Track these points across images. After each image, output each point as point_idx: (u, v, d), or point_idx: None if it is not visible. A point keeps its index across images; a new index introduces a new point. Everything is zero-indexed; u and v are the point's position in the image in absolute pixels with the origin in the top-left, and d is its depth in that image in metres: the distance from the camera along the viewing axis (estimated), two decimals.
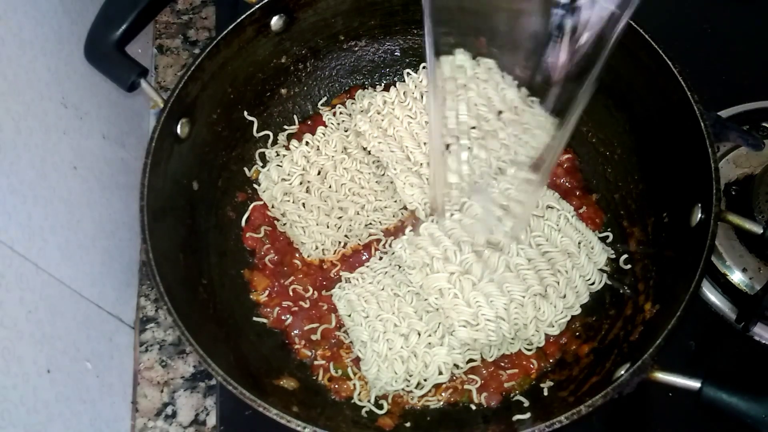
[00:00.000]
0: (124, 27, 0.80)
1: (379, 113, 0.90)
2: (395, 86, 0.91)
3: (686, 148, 0.76)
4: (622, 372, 0.66)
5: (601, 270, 0.81)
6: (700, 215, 0.73)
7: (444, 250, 0.79)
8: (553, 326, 0.77)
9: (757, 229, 0.73)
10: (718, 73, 0.99)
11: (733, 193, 0.90)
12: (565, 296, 0.78)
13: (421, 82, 0.91)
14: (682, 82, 0.75)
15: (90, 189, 0.87)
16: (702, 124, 0.73)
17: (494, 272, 0.78)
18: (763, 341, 0.84)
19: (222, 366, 0.67)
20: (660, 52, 0.77)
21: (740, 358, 0.85)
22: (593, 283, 0.80)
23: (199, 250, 0.83)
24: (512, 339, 0.78)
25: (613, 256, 0.82)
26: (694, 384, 0.64)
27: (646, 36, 0.78)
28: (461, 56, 0.88)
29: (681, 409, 0.81)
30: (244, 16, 0.83)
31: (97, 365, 0.81)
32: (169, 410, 0.87)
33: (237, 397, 0.65)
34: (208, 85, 0.83)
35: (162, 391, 0.88)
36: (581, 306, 0.80)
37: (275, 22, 0.87)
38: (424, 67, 0.92)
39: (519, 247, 0.79)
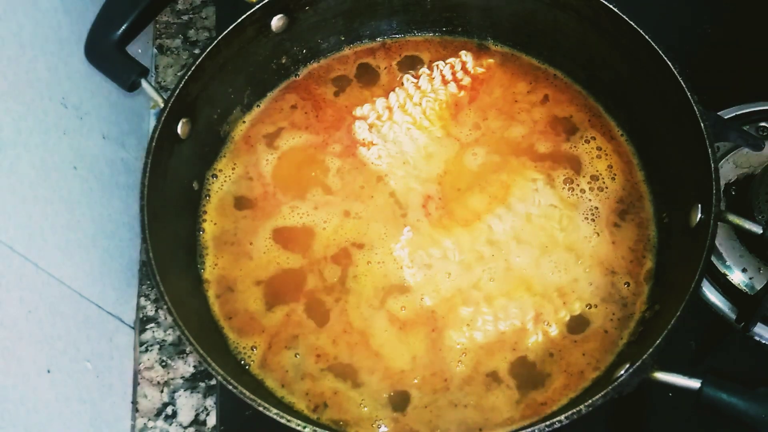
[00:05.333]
0: (124, 27, 0.80)
1: (379, 119, 0.90)
2: (395, 91, 0.91)
3: (686, 148, 0.76)
4: (622, 372, 0.66)
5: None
6: (700, 215, 0.72)
7: (444, 250, 0.80)
8: (551, 326, 0.77)
9: (757, 230, 0.73)
10: (718, 73, 0.99)
11: (733, 193, 0.90)
12: (566, 297, 0.78)
13: (420, 86, 0.91)
14: (682, 83, 0.75)
15: (90, 189, 0.87)
16: (702, 124, 0.73)
17: (494, 271, 0.78)
18: (763, 341, 0.84)
19: (222, 366, 0.67)
20: (660, 52, 0.77)
21: (740, 358, 0.85)
22: (585, 297, 0.79)
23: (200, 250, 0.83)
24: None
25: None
26: (694, 384, 0.64)
27: (646, 36, 0.78)
28: None
29: (681, 409, 0.81)
30: (244, 16, 0.83)
31: (97, 365, 0.81)
32: (169, 410, 0.87)
33: (237, 397, 0.65)
34: (208, 85, 0.83)
35: (162, 391, 0.88)
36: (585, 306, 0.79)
37: (275, 22, 0.87)
38: (424, 72, 0.93)
39: (521, 247, 0.79)
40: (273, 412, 0.64)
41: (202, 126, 0.85)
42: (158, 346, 0.91)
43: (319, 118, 0.92)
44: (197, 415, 0.87)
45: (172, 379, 0.89)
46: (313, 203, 0.86)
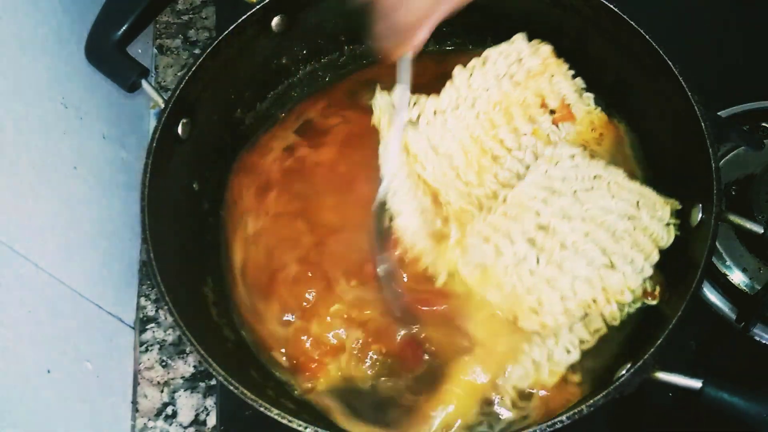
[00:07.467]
0: (125, 27, 0.80)
1: (428, 124, 0.80)
2: (446, 90, 0.81)
3: (686, 149, 0.76)
4: (624, 372, 0.66)
5: (668, 224, 0.76)
6: (700, 215, 0.73)
7: (496, 245, 0.76)
8: (624, 293, 0.73)
9: (758, 229, 0.73)
10: (718, 73, 0.99)
11: (733, 193, 0.91)
12: (632, 261, 0.74)
13: (471, 85, 0.82)
14: (682, 83, 0.75)
15: (90, 189, 0.87)
16: (702, 124, 0.73)
17: (551, 254, 0.74)
18: (763, 341, 0.84)
19: (222, 366, 0.67)
20: (660, 52, 0.77)
21: (740, 358, 0.85)
22: (662, 239, 0.75)
23: (200, 250, 0.83)
24: (584, 316, 0.75)
25: (679, 207, 0.77)
26: (695, 384, 0.64)
27: (647, 36, 0.78)
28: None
29: (681, 409, 0.81)
30: (245, 16, 0.83)
31: (97, 365, 0.81)
32: (169, 410, 0.87)
33: (237, 397, 0.66)
34: (208, 85, 0.83)
35: (162, 391, 0.88)
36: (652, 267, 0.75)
37: (276, 22, 0.87)
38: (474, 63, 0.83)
39: (572, 223, 0.75)
40: (274, 413, 0.64)
41: (203, 126, 0.85)
42: (158, 346, 0.91)
43: (322, 113, 0.91)
44: (197, 415, 0.87)
45: (172, 379, 0.89)
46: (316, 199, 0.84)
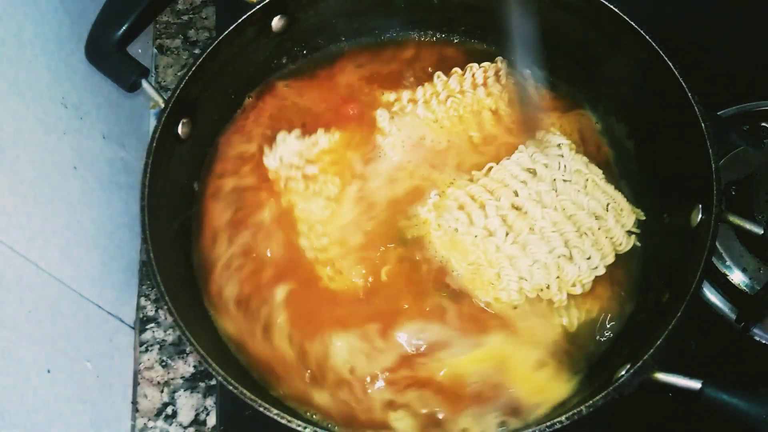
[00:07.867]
0: (125, 27, 0.80)
1: (402, 110, 0.88)
2: (423, 85, 0.90)
3: (686, 149, 0.76)
4: (623, 373, 0.66)
5: (629, 232, 0.80)
6: (700, 216, 0.73)
7: (469, 214, 0.80)
8: (575, 286, 0.77)
9: (758, 230, 0.73)
10: (718, 73, 0.99)
11: (733, 193, 0.90)
12: (590, 258, 0.78)
13: (449, 86, 0.89)
14: (682, 83, 0.75)
15: (90, 189, 0.87)
16: (702, 124, 0.73)
17: (518, 235, 0.78)
18: (763, 341, 0.84)
19: (222, 366, 0.67)
20: (660, 52, 0.77)
21: (740, 358, 0.85)
22: (621, 245, 0.80)
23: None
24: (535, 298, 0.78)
25: (643, 218, 0.81)
26: (695, 384, 0.64)
27: (646, 36, 0.78)
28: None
29: (681, 409, 0.81)
30: (245, 16, 0.83)
31: (97, 365, 0.81)
32: (169, 410, 0.87)
33: (237, 397, 0.66)
34: (209, 85, 0.83)
35: (162, 391, 0.88)
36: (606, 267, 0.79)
37: (276, 22, 0.87)
38: (456, 71, 0.91)
39: (544, 210, 0.79)
40: (274, 413, 0.64)
41: (203, 126, 0.85)
42: (158, 346, 0.91)
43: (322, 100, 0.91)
44: (197, 415, 0.87)
45: (172, 379, 0.89)
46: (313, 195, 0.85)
